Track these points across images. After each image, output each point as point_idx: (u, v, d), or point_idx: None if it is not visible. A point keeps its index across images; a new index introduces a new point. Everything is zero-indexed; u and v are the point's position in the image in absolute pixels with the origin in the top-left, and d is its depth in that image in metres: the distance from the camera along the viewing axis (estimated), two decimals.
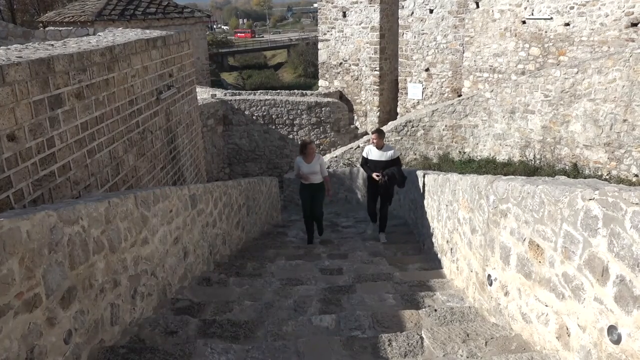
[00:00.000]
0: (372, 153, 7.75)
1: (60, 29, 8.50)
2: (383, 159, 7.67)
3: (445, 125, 14.76)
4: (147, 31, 7.20)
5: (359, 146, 15.32)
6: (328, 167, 14.81)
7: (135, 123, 5.27)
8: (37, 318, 2.32)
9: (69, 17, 18.19)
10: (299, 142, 7.60)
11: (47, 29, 10.09)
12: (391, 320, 3.72)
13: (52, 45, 4.60)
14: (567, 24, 13.89)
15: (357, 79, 20.14)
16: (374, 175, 7.62)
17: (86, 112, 4.12)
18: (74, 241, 2.69)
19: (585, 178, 3.34)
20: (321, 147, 17.26)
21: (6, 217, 2.15)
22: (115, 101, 4.73)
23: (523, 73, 14.80)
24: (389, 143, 11.74)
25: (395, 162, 7.73)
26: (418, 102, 18.65)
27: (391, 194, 7.86)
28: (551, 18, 14.17)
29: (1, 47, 4.12)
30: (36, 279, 2.32)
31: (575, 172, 11.85)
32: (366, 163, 7.87)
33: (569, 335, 2.64)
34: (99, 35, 6.66)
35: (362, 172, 13.01)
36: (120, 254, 3.28)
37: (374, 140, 7.73)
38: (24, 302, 2.22)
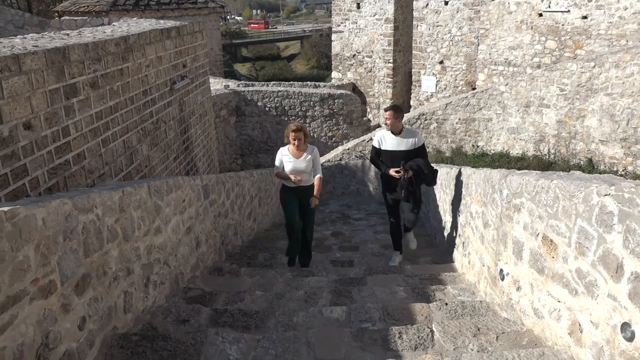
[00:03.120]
0: (387, 141, 5.43)
1: (76, 18, 8.56)
2: (402, 147, 5.33)
3: (459, 119, 14.64)
4: (161, 21, 7.21)
5: (371, 139, 15.25)
6: (340, 160, 14.73)
7: (149, 113, 5.30)
8: (52, 304, 2.35)
9: (84, 6, 18.28)
10: (288, 126, 5.57)
11: (62, 18, 10.16)
12: (402, 313, 3.72)
13: (68, 34, 4.63)
14: (585, 17, 13.67)
15: (370, 71, 20.04)
16: (392, 171, 5.28)
17: (101, 101, 4.15)
18: (89, 229, 2.72)
19: (600, 174, 3.28)
20: (333, 139, 17.23)
21: (22, 205, 2.17)
22: (130, 91, 4.76)
23: (539, 66, 14.62)
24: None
25: (420, 152, 5.40)
26: (431, 94, 18.52)
27: (418, 198, 5.41)
28: (568, 11, 13.96)
29: (18, 37, 4.16)
30: (51, 265, 2.35)
31: (590, 167, 11.71)
32: (378, 156, 5.54)
33: (581, 332, 2.62)
34: (114, 25, 6.68)
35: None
36: (133, 242, 3.31)
37: (388, 122, 5.37)
38: (40, 288, 2.25)
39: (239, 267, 5.23)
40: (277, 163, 5.52)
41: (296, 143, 5.33)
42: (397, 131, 5.39)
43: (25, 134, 3.14)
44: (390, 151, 5.40)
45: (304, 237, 5.75)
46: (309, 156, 5.45)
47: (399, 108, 5.49)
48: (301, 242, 5.74)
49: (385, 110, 5.47)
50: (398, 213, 5.69)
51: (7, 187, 2.97)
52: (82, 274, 2.64)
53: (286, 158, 5.44)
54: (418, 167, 5.21)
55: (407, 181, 5.18)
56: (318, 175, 5.53)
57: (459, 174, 5.36)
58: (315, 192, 5.50)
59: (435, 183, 5.48)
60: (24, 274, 2.14)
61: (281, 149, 5.52)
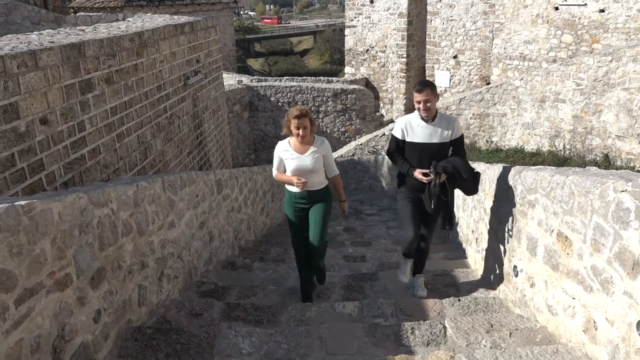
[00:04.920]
0: (414, 130, 3.95)
1: (91, 14, 8.63)
2: (435, 139, 3.91)
3: (473, 114, 14.52)
4: (175, 17, 7.24)
5: (384, 134, 15.19)
6: (352, 155, 14.70)
7: (163, 108, 5.33)
8: (68, 297, 2.38)
9: (99, 2, 18.43)
10: (288, 110, 4.02)
11: (77, 14, 10.25)
12: (414, 308, 3.71)
13: (83, 30, 4.67)
14: (602, 11, 13.46)
15: (383, 66, 19.94)
16: (418, 173, 3.88)
17: (115, 96, 4.19)
18: (104, 223, 2.75)
19: (617, 169, 3.25)
20: (346, 134, 17.20)
21: (39, 199, 2.20)
22: (144, 86, 4.79)
23: (554, 61, 14.44)
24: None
25: (457, 147, 4.02)
26: (445, 89, 18.38)
27: (450, 211, 4.03)
28: (585, 4, 13.75)
29: (34, 33, 4.20)
30: (67, 259, 2.38)
31: (606, 163, 11.55)
32: (400, 150, 4.07)
33: (596, 329, 2.59)
34: (128, 20, 6.73)
35: (388, 161, 12.84)
36: (147, 236, 3.34)
37: (427, 104, 3.83)
38: (56, 281, 2.29)
39: (251, 262, 5.26)
40: (275, 162, 4.10)
41: (300, 133, 3.87)
42: (429, 116, 3.88)
43: (42, 129, 3.18)
44: (417, 144, 3.92)
45: (314, 257, 4.18)
46: (318, 150, 3.97)
47: (433, 86, 3.92)
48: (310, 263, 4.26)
49: (419, 89, 3.84)
50: (419, 222, 4.06)
51: (24, 181, 3.01)
52: (97, 268, 2.67)
53: (287, 155, 4.00)
54: (455, 169, 3.77)
55: (440, 188, 3.79)
56: (335, 174, 4.15)
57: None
58: (340, 193, 4.29)
59: (476, 191, 3.96)
60: (41, 267, 2.17)
61: (280, 143, 4.08)
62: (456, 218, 6.22)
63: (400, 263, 4.33)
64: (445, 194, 3.87)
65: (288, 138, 4.07)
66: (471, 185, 3.88)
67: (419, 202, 4.02)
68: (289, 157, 4.00)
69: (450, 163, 3.84)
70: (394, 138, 4.08)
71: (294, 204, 4.13)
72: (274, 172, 4.19)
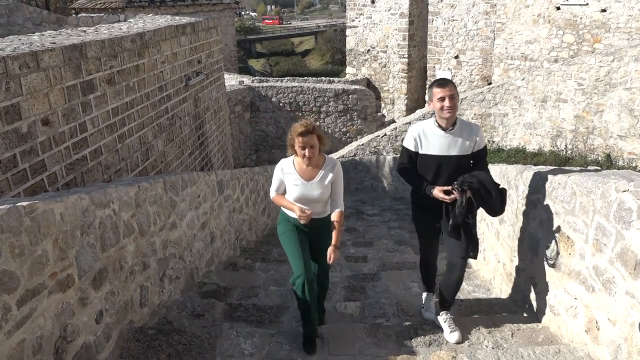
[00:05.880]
0: (429, 140, 3.31)
1: (92, 15, 8.65)
2: (454, 151, 3.27)
3: (474, 114, 14.50)
4: (177, 18, 7.25)
5: (385, 134, 15.18)
6: (354, 156, 14.70)
7: (165, 109, 5.33)
8: (70, 298, 2.39)
9: (100, 3, 18.45)
10: (292, 126, 3.19)
11: (79, 15, 10.27)
12: (416, 309, 3.71)
13: (85, 31, 4.68)
14: (604, 10, 13.44)
15: (385, 66, 19.94)
16: (438, 192, 3.21)
17: (117, 97, 4.19)
18: (105, 224, 2.76)
19: (619, 169, 3.23)
20: (347, 134, 17.20)
21: (40, 200, 2.21)
22: (145, 87, 4.80)
23: (556, 61, 14.42)
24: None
25: (479, 159, 3.35)
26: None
27: (474, 235, 3.32)
28: (587, 4, 13.74)
29: (36, 34, 4.21)
30: (69, 260, 2.38)
31: (608, 163, 11.53)
32: (413, 163, 3.40)
33: (598, 329, 2.59)
34: (130, 21, 6.73)
35: (389, 161, 12.85)
36: (149, 237, 3.34)
37: (445, 100, 3.16)
38: (58, 282, 2.29)
39: (253, 262, 5.26)
40: (275, 184, 3.35)
41: (307, 154, 3.12)
42: (449, 123, 3.25)
43: (44, 129, 3.18)
44: (433, 157, 3.28)
45: (318, 289, 3.42)
46: (329, 176, 3.23)
47: (453, 85, 3.26)
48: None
49: (442, 82, 3.24)
50: (436, 246, 3.58)
51: (26, 182, 3.01)
52: (99, 268, 2.67)
53: (290, 179, 3.25)
54: (481, 184, 3.12)
55: (465, 207, 3.14)
56: (338, 210, 3.27)
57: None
58: (334, 240, 3.23)
59: (503, 211, 3.27)
60: (43, 267, 2.18)
61: (282, 162, 3.33)
62: None
63: (426, 298, 3.72)
64: (470, 216, 3.23)
65: (292, 157, 3.30)
66: (498, 203, 3.18)
67: (436, 228, 3.43)
68: (293, 182, 3.23)
69: (476, 178, 3.15)
70: (405, 151, 3.41)
71: (292, 225, 3.34)
72: (272, 193, 3.40)
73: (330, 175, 3.23)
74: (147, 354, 2.86)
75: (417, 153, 3.34)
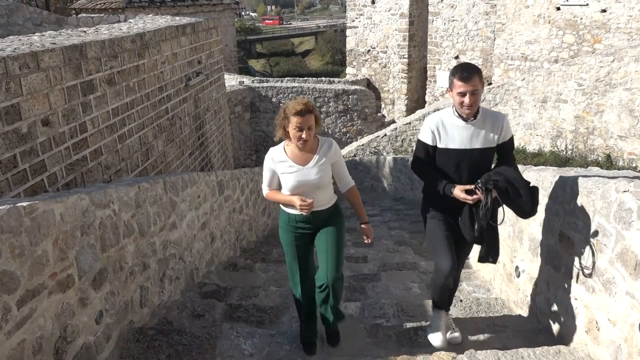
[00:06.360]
0: (448, 132, 2.95)
1: (92, 15, 8.65)
2: (477, 144, 2.92)
3: None
4: (177, 18, 7.25)
5: (385, 134, 15.18)
6: (354, 156, 14.68)
7: (165, 109, 5.33)
8: (70, 298, 2.39)
9: (100, 4, 18.45)
10: (285, 105, 2.83)
11: (79, 15, 10.27)
12: (416, 309, 3.71)
13: (85, 31, 4.68)
14: (604, 11, 13.44)
15: (385, 67, 19.94)
16: (460, 192, 2.88)
17: (117, 98, 4.19)
18: (105, 224, 2.76)
19: (619, 170, 3.24)
20: (348, 135, 17.20)
21: (41, 200, 2.21)
22: (145, 87, 4.80)
23: (556, 61, 14.42)
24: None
25: (505, 153, 3.02)
26: (447, 90, 18.38)
27: (497, 239, 3.06)
28: (587, 4, 13.74)
29: (36, 34, 4.21)
30: (69, 260, 2.38)
31: (608, 163, 11.54)
32: (431, 158, 3.03)
33: (598, 330, 2.59)
34: (130, 22, 6.74)
35: (389, 162, 12.85)
36: (149, 237, 3.34)
37: (466, 97, 2.80)
38: (58, 282, 2.29)
39: (253, 263, 5.26)
40: (266, 178, 2.99)
41: (304, 137, 2.77)
42: (470, 113, 2.87)
43: (44, 130, 3.18)
44: (453, 151, 2.92)
45: (329, 298, 3.00)
46: (324, 158, 2.89)
47: (479, 69, 2.88)
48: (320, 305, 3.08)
49: (465, 76, 2.79)
50: (453, 257, 3.01)
51: (26, 182, 3.01)
52: (99, 269, 2.67)
53: (283, 167, 2.89)
54: (508, 183, 2.77)
55: (490, 209, 2.81)
56: (350, 186, 3.05)
57: None
58: (361, 214, 3.09)
59: (534, 212, 2.88)
60: (43, 268, 2.18)
61: (271, 151, 2.97)
62: None
63: (433, 317, 3.21)
64: (495, 218, 2.92)
65: (282, 144, 2.96)
66: (529, 204, 2.80)
67: (455, 229, 3.04)
68: (287, 170, 2.87)
69: (502, 175, 2.79)
70: (421, 144, 3.02)
71: (293, 229, 2.97)
72: (265, 190, 3.02)
73: (328, 156, 2.89)
74: (147, 354, 2.86)
75: (434, 147, 2.97)
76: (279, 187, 2.98)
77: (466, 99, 2.78)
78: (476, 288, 4.36)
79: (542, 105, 13.14)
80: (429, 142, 2.97)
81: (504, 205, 2.85)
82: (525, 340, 3.09)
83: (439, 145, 2.95)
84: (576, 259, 2.81)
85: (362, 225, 3.08)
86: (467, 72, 2.78)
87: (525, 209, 2.84)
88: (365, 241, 3.10)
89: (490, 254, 3.03)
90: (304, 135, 2.75)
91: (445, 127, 2.94)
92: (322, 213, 2.94)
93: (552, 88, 12.83)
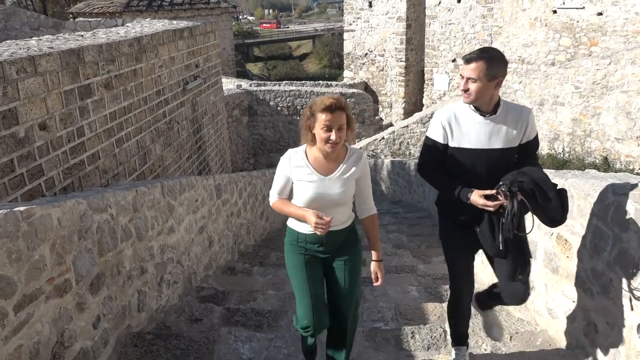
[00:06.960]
0: (462, 128, 2.47)
1: (90, 19, 8.64)
2: (497, 143, 2.45)
3: None
4: (174, 22, 7.25)
5: (383, 138, 15.20)
6: None
7: (162, 113, 5.33)
8: (67, 303, 2.38)
9: (97, 8, 18.46)
10: (312, 101, 2.35)
11: (76, 20, 10.28)
12: (414, 312, 3.71)
13: (82, 35, 4.68)
14: (600, 14, 13.50)
15: (382, 70, 19.97)
16: (479, 198, 2.38)
17: (115, 102, 4.19)
18: (103, 229, 2.75)
19: (616, 172, 3.24)
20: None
21: (38, 205, 2.20)
22: (143, 91, 4.79)
23: (553, 64, 14.47)
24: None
25: (529, 152, 2.56)
26: (444, 93, 18.41)
27: (527, 252, 2.60)
28: (583, 7, 13.80)
29: (33, 38, 4.21)
30: (66, 264, 2.38)
31: (605, 165, 11.57)
32: (440, 158, 2.56)
33: (596, 332, 2.59)
34: (127, 26, 6.74)
35: (387, 165, 12.84)
36: (147, 242, 3.34)
37: (463, 81, 2.42)
38: (55, 287, 2.28)
39: (251, 267, 5.25)
40: (279, 184, 2.53)
41: (333, 139, 2.30)
42: (488, 108, 2.46)
43: (41, 134, 3.17)
44: (469, 151, 2.48)
45: (340, 330, 2.69)
46: (351, 170, 2.44)
47: (497, 54, 2.41)
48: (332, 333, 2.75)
49: (469, 57, 2.39)
50: (471, 277, 2.75)
51: (23, 187, 3.01)
52: (97, 273, 2.66)
53: (302, 174, 2.43)
54: (535, 185, 2.33)
55: (518, 216, 2.36)
56: (372, 213, 2.62)
57: None
58: (374, 253, 2.65)
59: (564, 220, 2.42)
60: (40, 272, 2.17)
61: (289, 153, 2.49)
62: None
63: (453, 353, 2.87)
64: (521, 227, 2.48)
65: (303, 147, 2.47)
66: (558, 210, 2.35)
67: (475, 244, 2.61)
68: (305, 177, 2.40)
69: (528, 176, 2.34)
70: (430, 143, 2.56)
71: (302, 249, 2.54)
72: (273, 197, 2.56)
73: (354, 169, 2.42)
74: (145, 359, 2.85)
75: (446, 146, 2.51)
76: (290, 197, 2.51)
77: (461, 84, 2.42)
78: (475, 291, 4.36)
79: (539, 108, 13.17)
80: (440, 139, 2.50)
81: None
82: (523, 343, 3.09)
83: (450, 144, 2.50)
84: (574, 261, 2.82)
85: (374, 262, 2.61)
86: (472, 54, 2.40)
87: (555, 216, 2.38)
88: (375, 283, 2.58)
89: (518, 271, 2.55)
90: (332, 137, 2.27)
91: (459, 123, 2.48)
92: (337, 235, 2.48)
93: (549, 91, 12.87)
